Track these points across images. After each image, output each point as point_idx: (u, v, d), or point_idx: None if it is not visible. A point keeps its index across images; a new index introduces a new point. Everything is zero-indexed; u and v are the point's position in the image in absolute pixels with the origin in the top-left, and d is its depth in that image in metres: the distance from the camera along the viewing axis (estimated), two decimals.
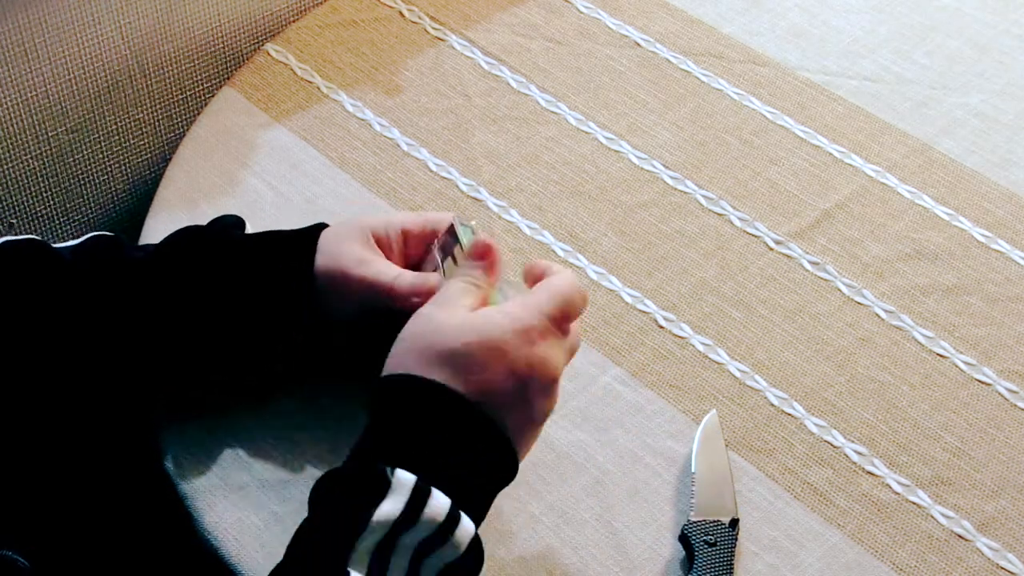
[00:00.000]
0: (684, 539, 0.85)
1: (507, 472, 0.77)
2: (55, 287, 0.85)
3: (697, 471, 0.89)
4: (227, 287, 0.86)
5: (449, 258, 0.83)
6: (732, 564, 0.84)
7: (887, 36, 1.23)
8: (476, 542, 0.73)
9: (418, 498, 0.70)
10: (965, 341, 0.99)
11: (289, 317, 0.86)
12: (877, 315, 1.01)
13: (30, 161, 1.14)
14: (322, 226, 0.89)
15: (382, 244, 0.88)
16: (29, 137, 1.13)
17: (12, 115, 1.11)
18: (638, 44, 1.21)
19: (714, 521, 0.86)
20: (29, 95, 1.11)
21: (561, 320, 0.77)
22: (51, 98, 1.12)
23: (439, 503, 0.71)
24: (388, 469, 0.71)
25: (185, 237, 0.89)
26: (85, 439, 0.92)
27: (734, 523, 0.87)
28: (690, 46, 1.21)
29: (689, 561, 0.84)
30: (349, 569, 0.68)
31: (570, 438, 0.92)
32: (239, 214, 0.93)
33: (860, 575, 0.86)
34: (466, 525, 0.72)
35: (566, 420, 0.93)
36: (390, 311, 0.84)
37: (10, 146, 1.12)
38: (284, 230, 0.90)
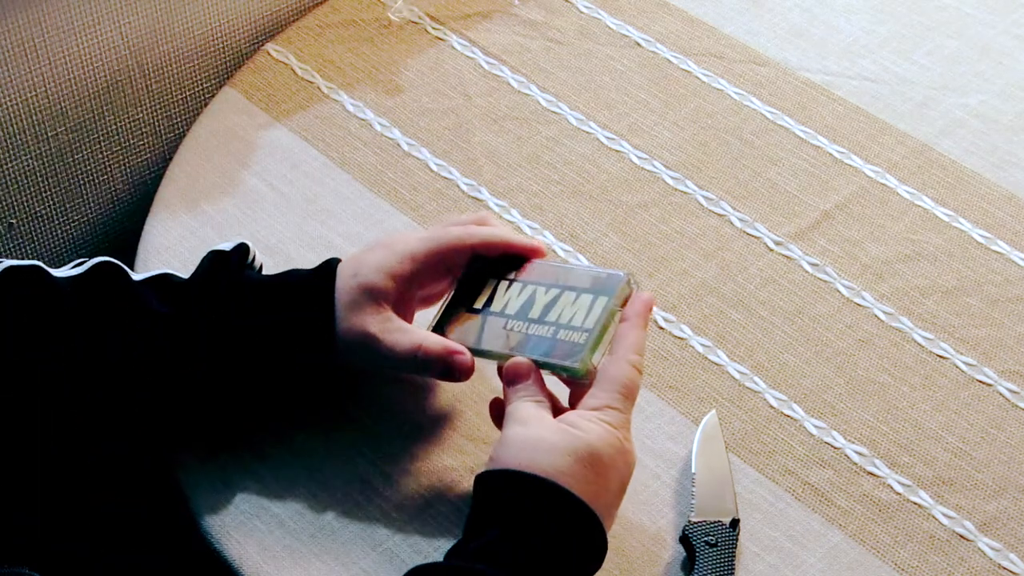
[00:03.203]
0: (685, 540, 0.85)
1: (597, 565, 0.79)
2: (52, 323, 0.85)
3: (697, 472, 0.89)
4: (248, 339, 0.86)
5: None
6: (733, 565, 0.84)
7: (887, 36, 1.23)
8: None
9: None
10: (965, 342, 0.99)
11: (314, 363, 0.88)
12: (877, 316, 1.01)
13: (30, 161, 1.14)
14: (335, 264, 0.88)
15: (388, 296, 0.86)
16: (29, 137, 1.13)
17: (12, 115, 1.10)
18: (638, 44, 1.21)
19: (715, 522, 0.86)
20: (29, 95, 1.11)
21: (631, 407, 0.83)
22: (51, 98, 1.12)
23: None
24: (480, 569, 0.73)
25: (197, 283, 0.88)
26: (92, 455, 0.92)
27: (735, 524, 0.87)
28: (690, 46, 1.21)
29: (690, 562, 0.84)
30: None
31: None
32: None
33: (862, 575, 0.86)
34: None
35: None
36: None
37: (10, 146, 1.12)
38: (299, 275, 0.89)
